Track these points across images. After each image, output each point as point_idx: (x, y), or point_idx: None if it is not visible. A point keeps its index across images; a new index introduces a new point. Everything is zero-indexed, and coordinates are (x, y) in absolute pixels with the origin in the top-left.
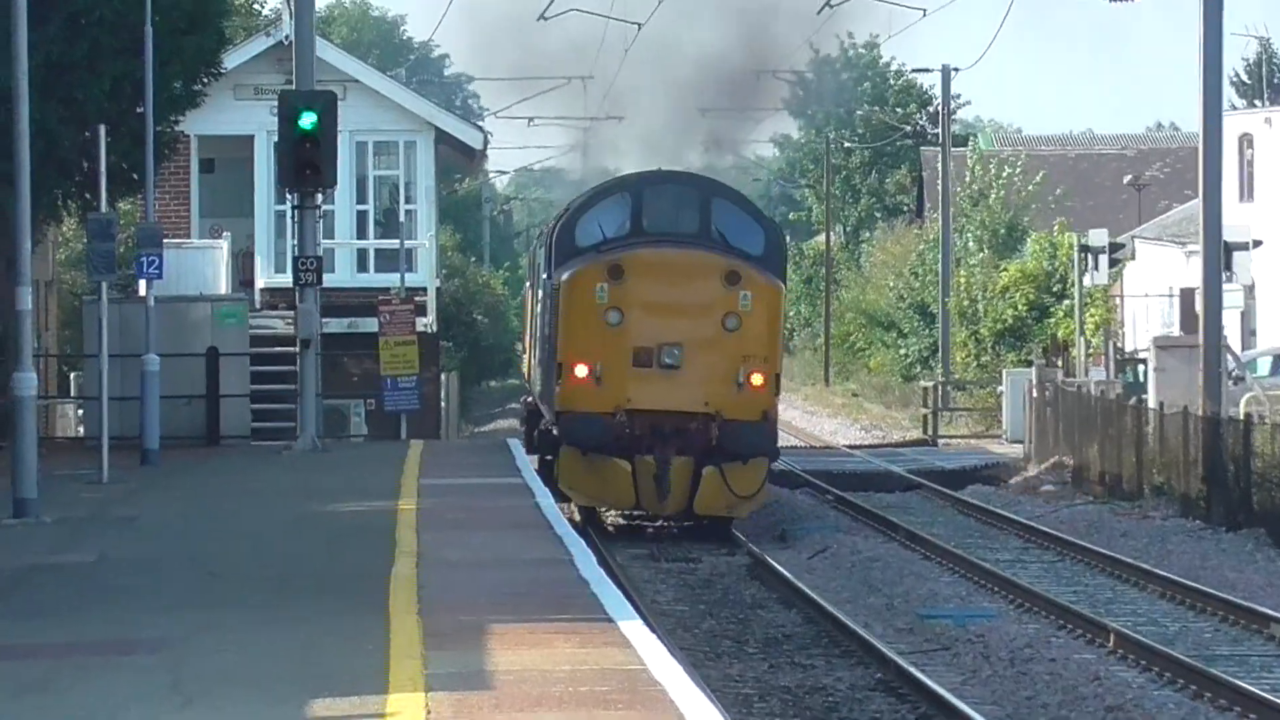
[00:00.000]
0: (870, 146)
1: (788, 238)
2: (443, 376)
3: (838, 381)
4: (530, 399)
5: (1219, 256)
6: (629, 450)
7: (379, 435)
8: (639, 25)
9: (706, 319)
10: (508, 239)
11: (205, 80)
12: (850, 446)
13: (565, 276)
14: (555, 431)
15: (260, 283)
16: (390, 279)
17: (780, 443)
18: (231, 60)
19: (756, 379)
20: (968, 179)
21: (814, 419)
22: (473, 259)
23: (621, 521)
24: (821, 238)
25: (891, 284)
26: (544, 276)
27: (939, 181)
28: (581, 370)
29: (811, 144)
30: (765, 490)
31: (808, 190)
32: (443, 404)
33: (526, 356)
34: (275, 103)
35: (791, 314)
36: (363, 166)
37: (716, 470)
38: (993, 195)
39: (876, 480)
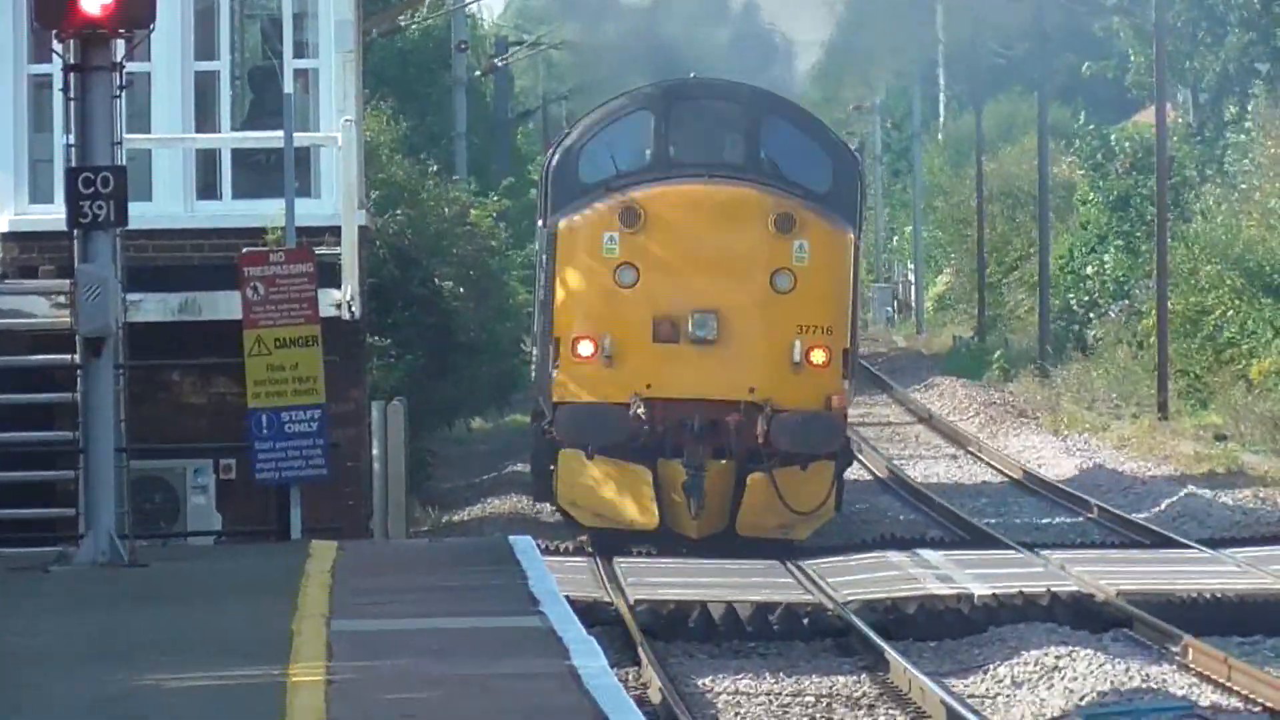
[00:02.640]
0: None
1: (1083, 118)
2: (375, 410)
3: (1187, 408)
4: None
5: None
6: (650, 452)
7: (245, 530)
8: None
9: (751, 278)
10: (504, 126)
11: None
12: (1210, 543)
13: (564, 223)
14: (553, 430)
15: (1, 222)
16: (266, 211)
17: (1077, 531)
18: None
19: (818, 356)
20: None
21: (1138, 482)
22: (434, 167)
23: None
24: (1145, 114)
25: None
26: (539, 223)
27: None
28: (585, 347)
29: None
30: (831, 505)
31: (1115, 21)
32: (375, 465)
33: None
34: None
35: (1090, 271)
36: None
37: (766, 477)
38: None
39: (1269, 612)
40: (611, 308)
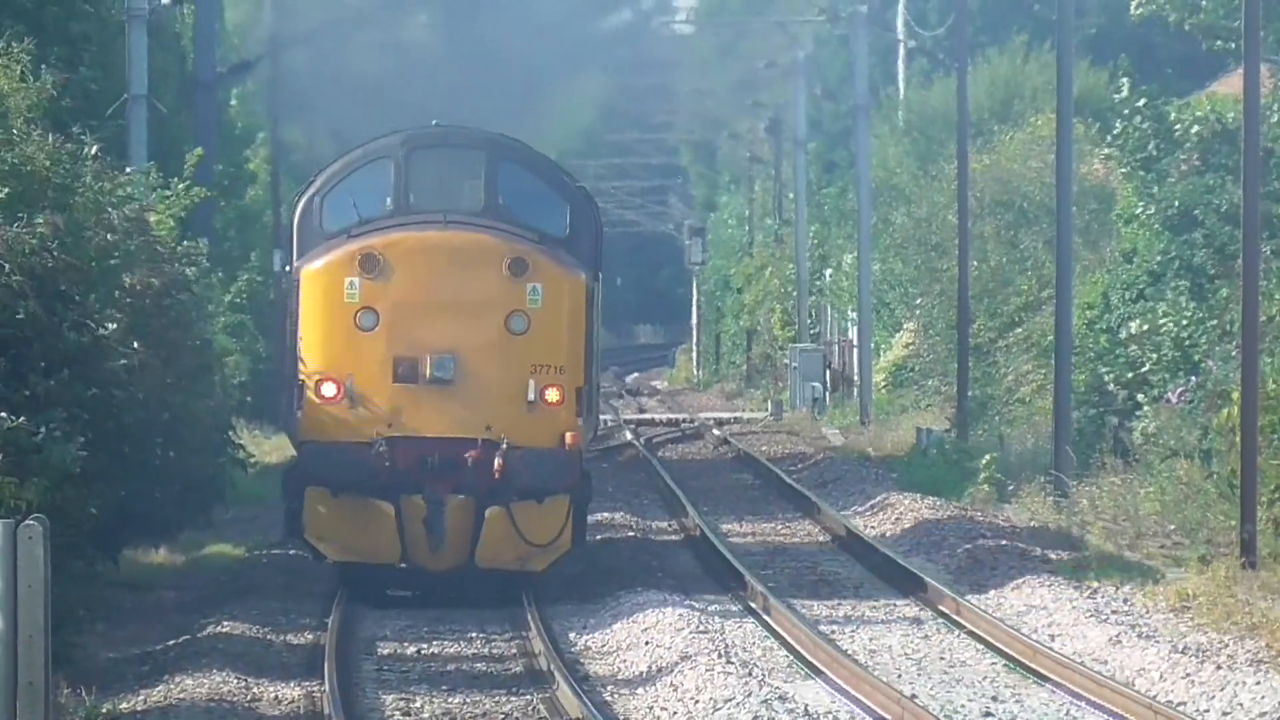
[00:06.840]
0: None
1: (1126, 87)
2: None
3: None
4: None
5: None
6: (392, 489)
7: None
8: None
9: (486, 320)
10: (208, 86)
11: None
12: None
13: (306, 269)
14: (298, 468)
15: None
16: None
17: None
18: None
19: (551, 394)
20: None
21: (1208, 665)
22: (94, 149)
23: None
24: (1227, 82)
25: None
26: (285, 270)
27: None
28: (329, 389)
29: None
30: (569, 538)
31: None
32: None
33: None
34: None
35: (1137, 329)
36: None
37: (503, 512)
38: None
39: None
40: (353, 351)
